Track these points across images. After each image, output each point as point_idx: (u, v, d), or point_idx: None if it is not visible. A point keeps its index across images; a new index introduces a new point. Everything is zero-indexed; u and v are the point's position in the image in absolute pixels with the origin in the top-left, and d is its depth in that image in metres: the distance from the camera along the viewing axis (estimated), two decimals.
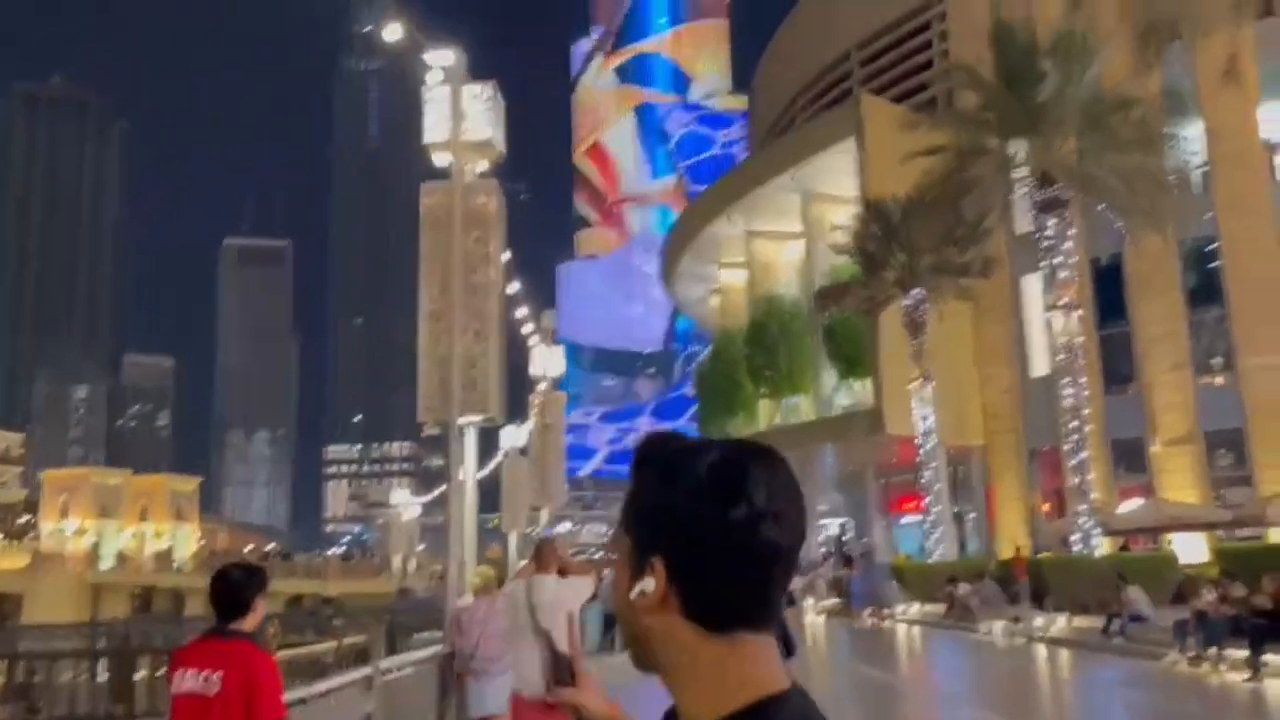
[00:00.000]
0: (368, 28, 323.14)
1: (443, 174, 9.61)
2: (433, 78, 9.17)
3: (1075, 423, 20.94)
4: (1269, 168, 33.35)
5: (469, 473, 10.21)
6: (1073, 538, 21.54)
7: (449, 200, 9.02)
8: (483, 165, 9.62)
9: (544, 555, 6.58)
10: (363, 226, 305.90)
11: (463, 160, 9.19)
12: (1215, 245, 33.42)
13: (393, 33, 8.68)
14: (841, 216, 38.12)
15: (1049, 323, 21.67)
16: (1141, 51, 15.40)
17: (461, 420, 8.79)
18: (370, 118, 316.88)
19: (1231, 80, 17.22)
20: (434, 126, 9.40)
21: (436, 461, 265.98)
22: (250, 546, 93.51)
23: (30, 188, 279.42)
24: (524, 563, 8.29)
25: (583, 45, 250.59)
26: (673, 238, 57.30)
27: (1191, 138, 26.16)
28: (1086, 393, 21.38)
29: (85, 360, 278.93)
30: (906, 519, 46.48)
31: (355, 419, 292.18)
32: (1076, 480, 21.03)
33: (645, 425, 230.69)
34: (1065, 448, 21.32)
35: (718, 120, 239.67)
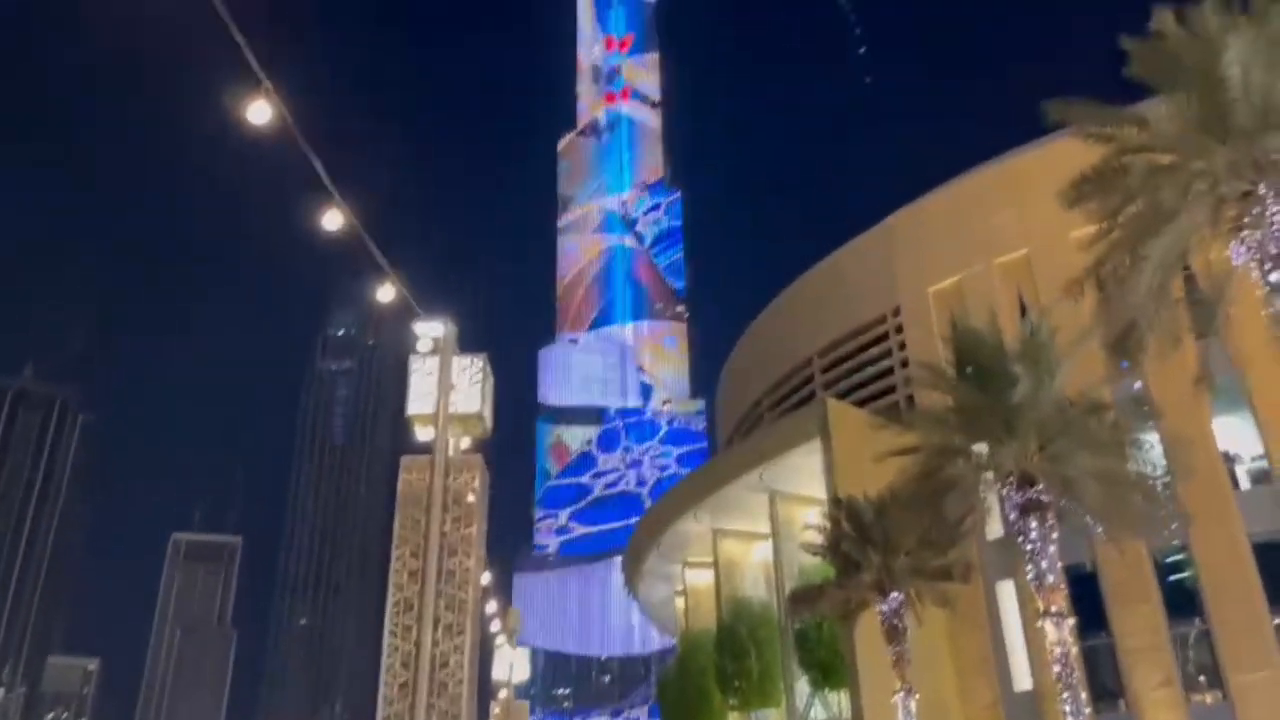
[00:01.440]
0: (340, 330, 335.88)
1: (424, 449, 9.03)
2: (422, 346, 8.82)
3: None
4: (1231, 478, 33.95)
5: None
6: None
7: (429, 476, 8.37)
8: (466, 442, 9.08)
9: None
10: (318, 525, 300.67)
11: (448, 434, 8.64)
12: (1187, 555, 33.24)
13: (385, 293, 8.45)
14: (811, 516, 37.67)
15: (1041, 630, 20.63)
16: (1113, 358, 15.66)
17: None
18: (335, 417, 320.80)
19: (1204, 388, 17.55)
20: (419, 398, 8.93)
21: None
22: None
23: None
24: None
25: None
26: (637, 536, 56.26)
27: (1154, 445, 26.51)
28: (1087, 710, 20.01)
29: (5, 662, 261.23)
30: None
31: None
32: None
33: None
34: None
35: (682, 435, 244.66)
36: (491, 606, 18.70)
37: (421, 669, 7.07)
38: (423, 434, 8.78)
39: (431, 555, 7.57)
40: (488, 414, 8.76)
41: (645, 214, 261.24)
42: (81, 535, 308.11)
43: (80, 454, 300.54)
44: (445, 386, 8.23)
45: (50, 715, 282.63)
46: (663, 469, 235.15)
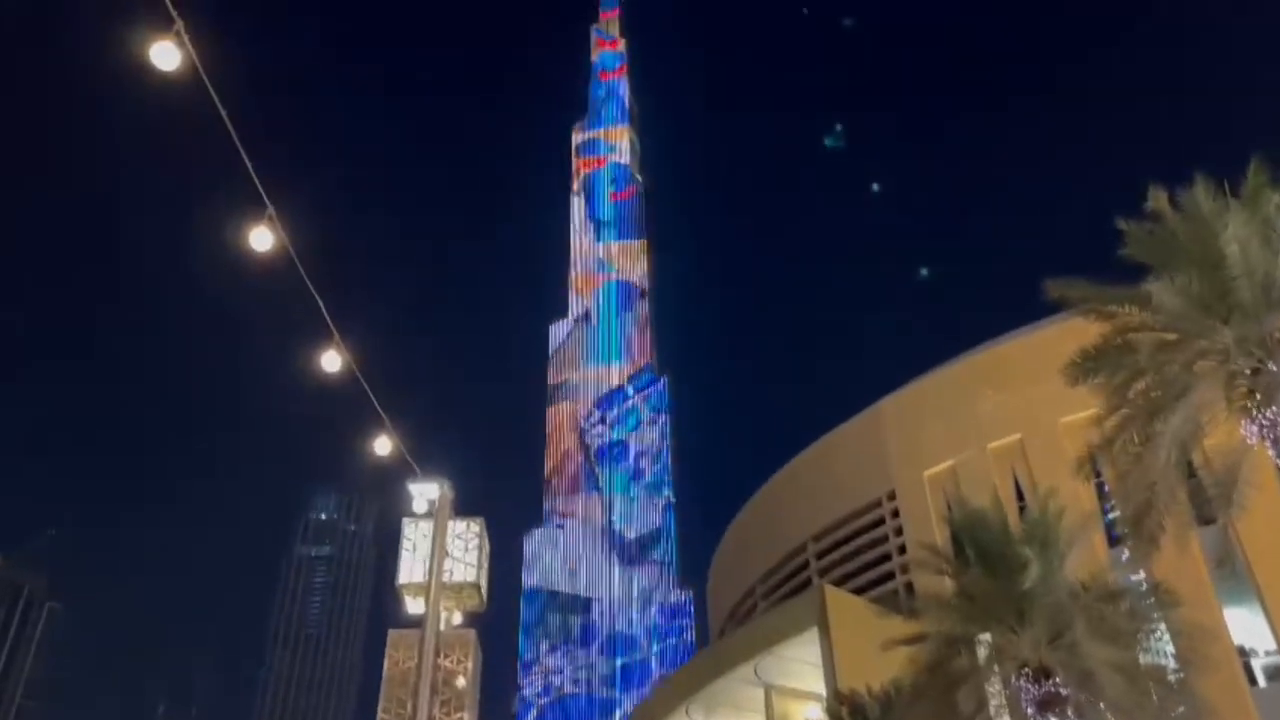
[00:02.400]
0: (321, 514, 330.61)
1: (412, 623, 8.32)
2: (417, 507, 8.29)
3: None
4: (1247, 673, 32.58)
5: None
6: None
7: (418, 653, 7.64)
8: (458, 616, 8.39)
9: None
10: (289, 717, 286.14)
11: (440, 606, 7.99)
12: None
13: (383, 446, 8.00)
14: (812, 712, 35.78)
15: None
16: (1131, 540, 15.10)
17: None
18: (312, 605, 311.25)
19: (1226, 570, 16.91)
20: (411, 566, 8.30)
21: None
22: None
23: None
24: None
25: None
26: None
27: (1164, 636, 25.50)
28: None
29: None
30: None
31: None
32: None
33: None
34: None
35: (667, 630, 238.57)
36: None
37: None
38: (413, 606, 8.15)
39: None
40: (484, 584, 8.18)
41: (631, 398, 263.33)
42: None
43: (43, 644, 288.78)
44: (440, 552, 7.69)
45: None
46: (642, 666, 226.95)
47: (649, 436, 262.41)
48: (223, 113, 7.13)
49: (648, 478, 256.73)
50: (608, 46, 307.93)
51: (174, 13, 6.86)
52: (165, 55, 6.99)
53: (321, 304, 7.60)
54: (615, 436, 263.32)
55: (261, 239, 7.80)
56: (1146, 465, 14.02)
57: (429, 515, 8.19)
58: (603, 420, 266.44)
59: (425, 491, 8.11)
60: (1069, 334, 18.21)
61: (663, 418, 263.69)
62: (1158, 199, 13.65)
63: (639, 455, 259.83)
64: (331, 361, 8.06)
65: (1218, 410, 13.83)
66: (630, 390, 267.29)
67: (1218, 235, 12.87)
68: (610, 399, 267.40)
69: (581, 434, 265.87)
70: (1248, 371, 12.99)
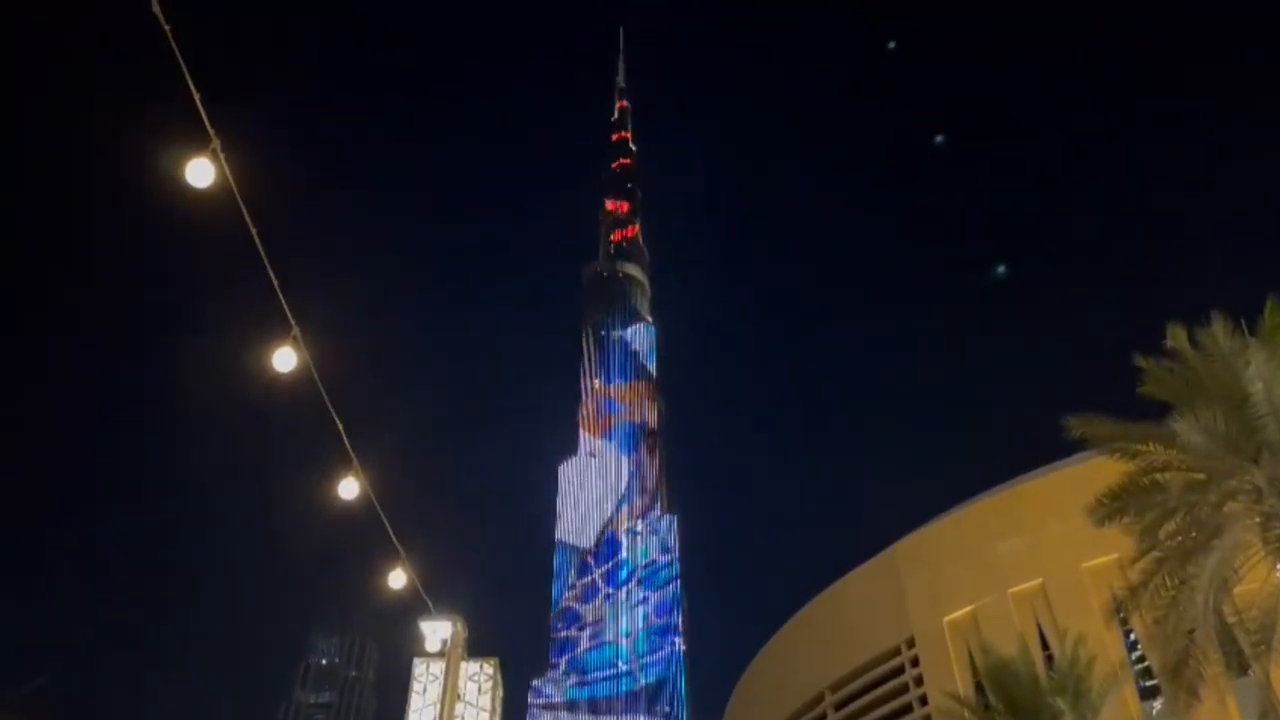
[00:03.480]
0: (323, 659, 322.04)
1: None
2: (430, 647, 7.88)
3: None
4: None
5: None
6: None
7: None
8: None
9: None
10: None
11: None
12: None
13: (397, 579, 7.67)
14: None
15: None
16: (1173, 692, 14.41)
17: None
18: None
19: None
20: (420, 711, 7.84)
21: None
22: None
23: None
24: None
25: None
26: None
27: None
28: None
29: None
30: None
31: None
32: None
33: None
34: None
35: None
36: None
37: None
38: None
39: None
40: None
41: (640, 536, 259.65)
42: None
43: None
44: (452, 696, 7.23)
45: None
46: None
47: (658, 578, 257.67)
48: (250, 226, 7.18)
49: (657, 622, 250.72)
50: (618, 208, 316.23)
51: (211, 131, 7.00)
52: (201, 171, 7.09)
53: (341, 427, 7.49)
54: (621, 578, 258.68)
55: (285, 359, 7.71)
56: (1183, 610, 13.51)
57: (441, 655, 7.81)
58: (612, 562, 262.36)
59: (438, 630, 7.75)
60: (1088, 475, 17.91)
61: (672, 559, 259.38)
62: (1176, 336, 13.61)
63: (647, 598, 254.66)
64: (349, 489, 7.88)
65: (1252, 552, 13.41)
66: (640, 529, 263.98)
67: (1239, 373, 12.75)
68: (618, 541, 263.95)
69: (589, 575, 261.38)
70: None
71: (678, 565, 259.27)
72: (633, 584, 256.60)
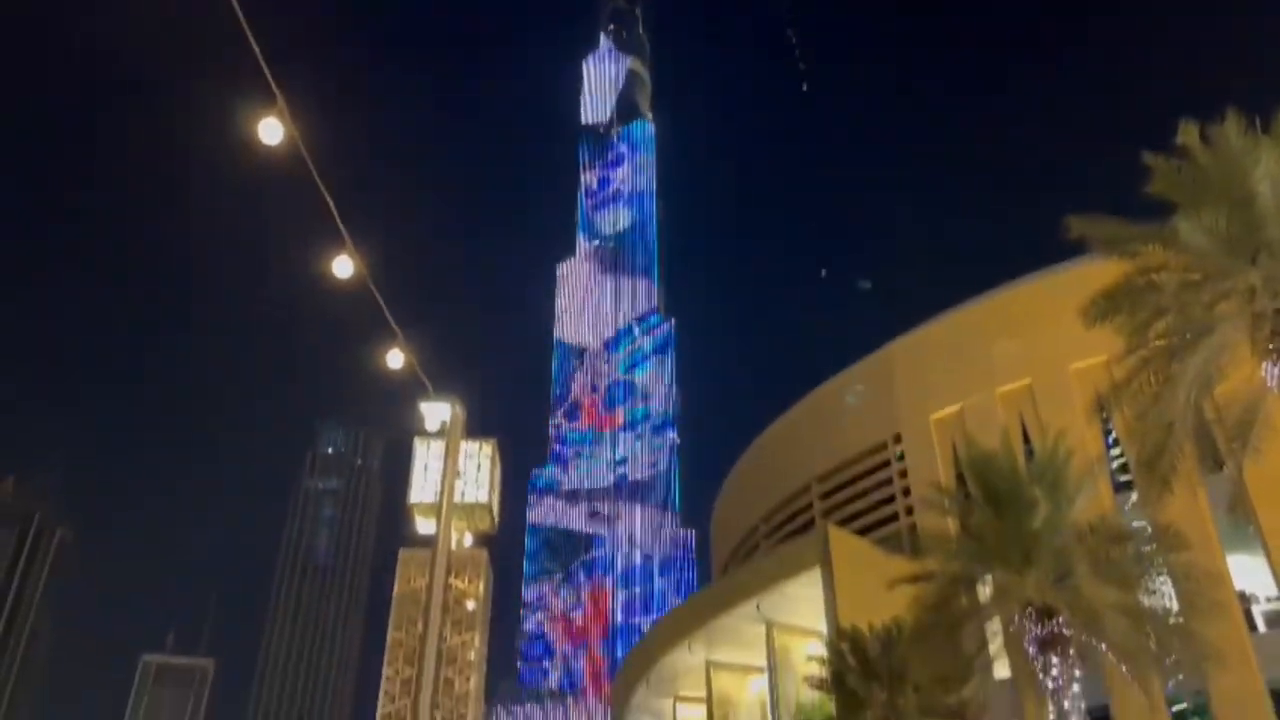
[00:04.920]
0: (329, 448, 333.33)
1: (423, 543, 8.24)
2: (429, 427, 8.15)
3: None
4: (1248, 619, 32.77)
5: None
6: None
7: (429, 572, 7.56)
8: (469, 537, 8.31)
9: None
10: (294, 648, 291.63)
11: (452, 527, 7.88)
12: (1205, 700, 31.87)
13: (395, 359, 7.84)
14: (811, 648, 36.20)
15: None
16: (1146, 484, 14.97)
17: None
18: (320, 537, 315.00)
19: (1241, 516, 16.84)
20: (421, 486, 8.17)
21: None
22: None
23: None
24: None
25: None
26: (627, 667, 54.17)
27: (1167, 580, 25.58)
28: None
29: None
30: None
31: None
32: None
33: None
34: None
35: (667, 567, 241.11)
36: None
37: None
38: (424, 526, 8.03)
39: (430, 648, 6.69)
40: (495, 505, 8.06)
41: (638, 339, 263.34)
42: (49, 655, 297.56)
43: (55, 570, 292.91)
44: (451, 473, 7.57)
45: None
46: (644, 603, 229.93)
47: (654, 377, 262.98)
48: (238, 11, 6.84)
49: (653, 419, 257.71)
50: None
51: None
52: None
53: (331, 202, 7.38)
54: (621, 376, 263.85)
55: (271, 130, 7.49)
56: (1164, 406, 13.86)
57: (441, 435, 8.06)
58: (609, 360, 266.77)
59: (437, 411, 7.97)
60: (1082, 278, 17.94)
61: (669, 359, 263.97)
62: (1188, 133, 13.27)
63: (645, 396, 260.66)
64: (343, 267, 7.86)
65: (1239, 352, 13.62)
66: (637, 331, 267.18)
67: (1248, 172, 12.54)
68: (616, 340, 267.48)
69: (588, 373, 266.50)
70: (1273, 312, 12.75)
71: (674, 364, 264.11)
72: (630, 381, 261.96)
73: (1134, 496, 32.86)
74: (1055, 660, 18.95)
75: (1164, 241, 13.66)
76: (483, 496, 8.10)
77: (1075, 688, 19.17)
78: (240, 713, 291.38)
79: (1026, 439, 35.69)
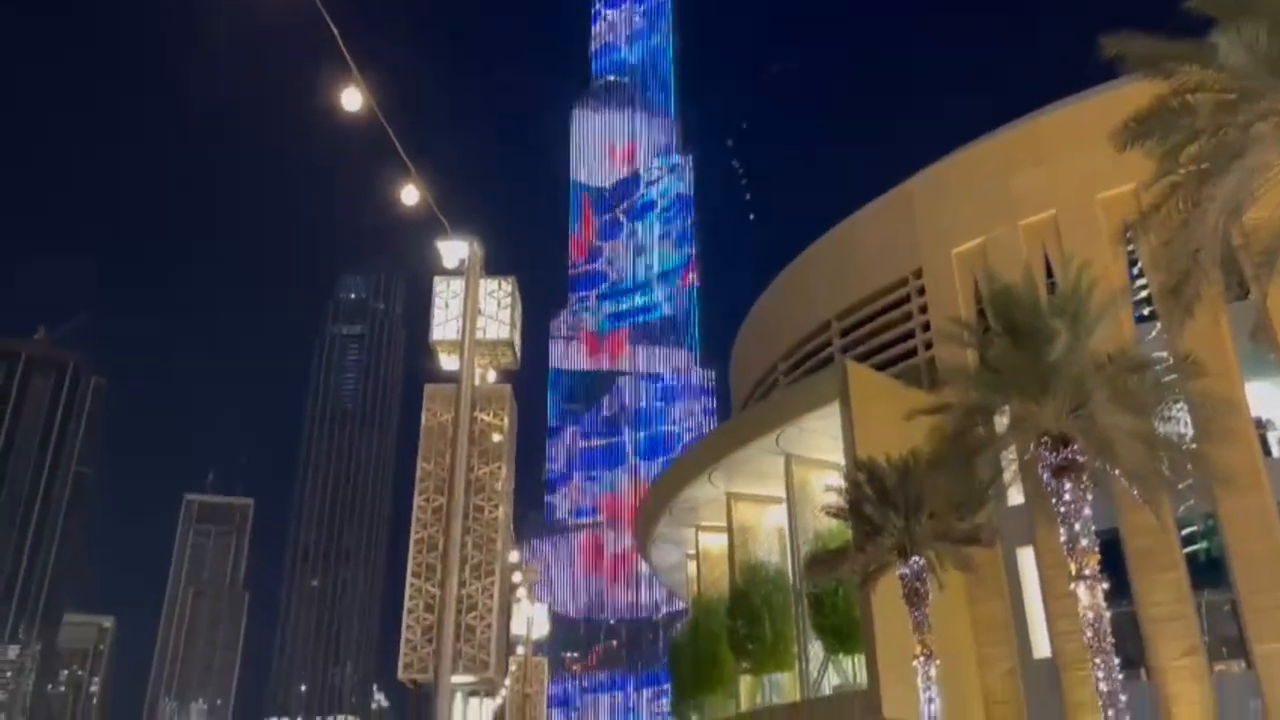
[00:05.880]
0: (350, 294, 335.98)
1: (449, 378, 8.38)
2: (448, 264, 8.15)
3: (1112, 712, 18.85)
4: (1262, 444, 33.22)
5: None
6: None
7: (455, 406, 7.73)
8: (492, 375, 8.44)
9: None
10: (328, 487, 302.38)
11: (475, 365, 7.99)
12: (1214, 523, 32.68)
13: (410, 195, 7.79)
14: (828, 480, 37.19)
15: (1070, 596, 20.02)
16: (1169, 311, 14.89)
17: (455, 680, 6.94)
18: (346, 380, 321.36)
19: (1263, 343, 16.81)
20: (444, 323, 8.25)
21: None
22: None
23: None
24: None
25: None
26: (650, 499, 55.96)
27: (1183, 406, 25.82)
28: (1120, 676, 19.43)
29: (21, 620, 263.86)
30: None
31: (300, 689, 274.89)
32: None
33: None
34: None
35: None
36: (513, 556, 18.03)
37: (448, 608, 6.43)
38: (448, 363, 8.17)
39: (459, 476, 6.93)
40: (517, 342, 8.16)
41: (656, 176, 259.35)
42: (95, 496, 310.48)
43: (93, 416, 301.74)
44: (472, 310, 7.62)
45: (66, 672, 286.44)
46: (666, 440, 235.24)
47: (673, 217, 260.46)
48: None
49: (672, 258, 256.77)
50: None
51: None
52: None
53: (334, 30, 7.14)
54: (639, 216, 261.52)
55: None
56: (1192, 231, 13.62)
57: (460, 273, 8.06)
58: (626, 200, 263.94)
59: (455, 249, 7.95)
60: (1109, 106, 17.42)
61: (688, 198, 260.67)
62: None
63: (663, 236, 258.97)
64: (351, 99, 7.68)
65: (1271, 175, 13.27)
66: (655, 168, 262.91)
67: None
68: (634, 179, 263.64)
69: (605, 214, 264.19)
70: None
71: (693, 202, 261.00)
72: (648, 221, 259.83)
73: (1155, 329, 32.85)
74: (1068, 486, 19.39)
75: (1201, 60, 13.13)
76: (504, 333, 8.17)
77: (1086, 511, 19.66)
78: (281, 547, 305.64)
79: (1050, 272, 35.46)
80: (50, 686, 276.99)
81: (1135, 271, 34.58)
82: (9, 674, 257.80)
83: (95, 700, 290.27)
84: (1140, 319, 34.41)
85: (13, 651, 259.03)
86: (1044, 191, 38.42)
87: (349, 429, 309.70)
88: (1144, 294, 34.05)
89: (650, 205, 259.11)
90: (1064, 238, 36.50)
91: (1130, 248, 34.21)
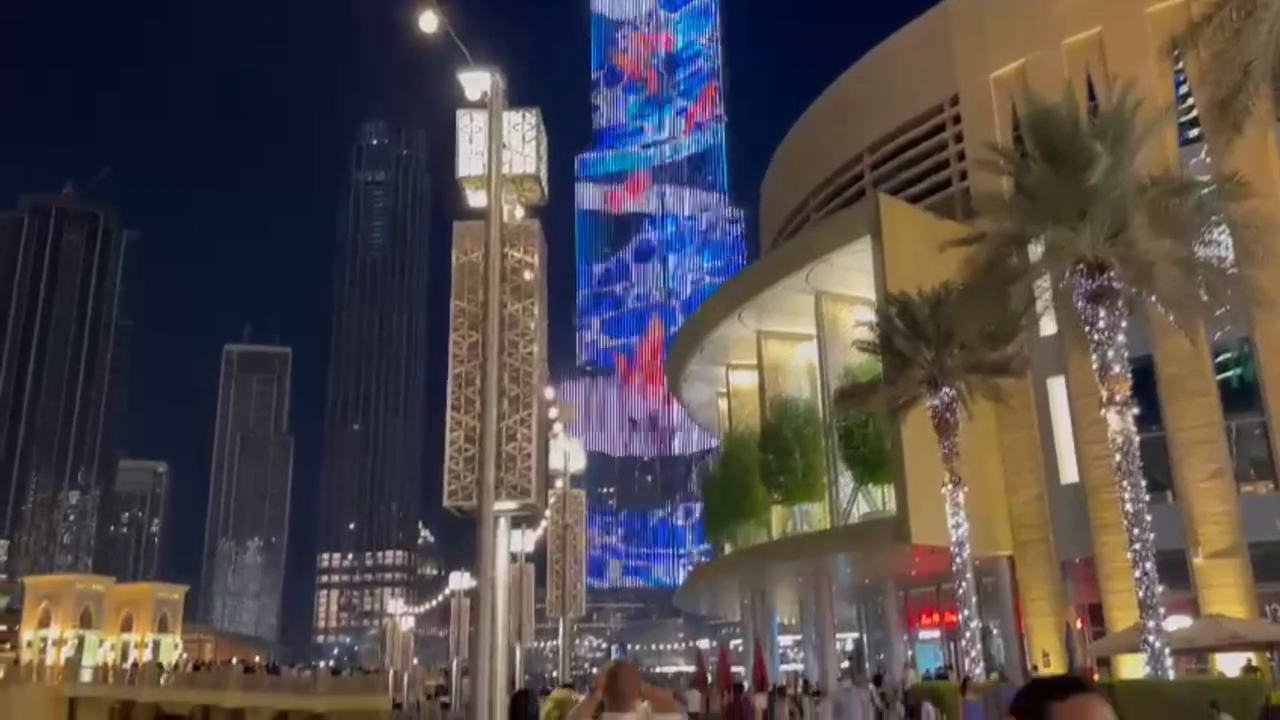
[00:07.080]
0: (375, 141, 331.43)
1: (477, 214, 8.31)
2: (470, 96, 7.94)
3: (1137, 530, 19.26)
4: None
5: (500, 568, 8.57)
6: (1142, 658, 19.67)
7: (484, 242, 7.70)
8: (520, 211, 8.35)
9: (620, 685, 4.62)
10: (363, 334, 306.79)
11: (502, 200, 7.91)
12: (1249, 348, 32.48)
13: (428, 23, 7.51)
14: (859, 315, 37.13)
15: (1101, 421, 20.18)
16: (1216, 128, 14.35)
17: (498, 507, 7.22)
18: (374, 227, 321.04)
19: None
20: (469, 159, 8.11)
21: (430, 570, 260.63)
22: (237, 659, 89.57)
23: (33, 294, 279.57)
24: (579, 696, 6.58)
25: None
26: (680, 338, 56.36)
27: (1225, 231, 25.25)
28: (1147, 498, 19.76)
29: (79, 465, 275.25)
30: (925, 634, 44.15)
31: (349, 526, 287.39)
32: (1141, 594, 19.24)
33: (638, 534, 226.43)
34: (1128, 558, 19.58)
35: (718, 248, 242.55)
36: (548, 393, 18.32)
37: (489, 436, 6.61)
38: (474, 199, 8.06)
39: (493, 312, 6.98)
40: (544, 175, 8.02)
41: (681, 9, 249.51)
42: (139, 348, 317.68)
43: (129, 269, 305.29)
44: (497, 142, 7.45)
45: (126, 514, 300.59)
46: (695, 281, 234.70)
47: (700, 52, 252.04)
48: None
49: (700, 97, 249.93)
50: None
51: None
52: None
53: None
54: (664, 51, 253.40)
55: None
56: (1244, 43, 12.97)
57: (482, 106, 7.85)
58: (650, 34, 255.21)
59: (477, 81, 7.70)
60: None
61: (715, 30, 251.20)
62: None
63: (690, 73, 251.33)
64: None
65: None
66: (680, 2, 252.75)
67: None
68: (657, 11, 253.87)
69: (629, 50, 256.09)
70: None
71: (720, 35, 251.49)
72: (673, 55, 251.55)
73: (1199, 154, 31.79)
74: (1103, 313, 19.22)
75: None
76: (530, 167, 8.00)
77: (1120, 338, 19.57)
78: (320, 393, 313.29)
79: (1092, 95, 34.11)
80: (113, 529, 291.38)
81: (1181, 94, 33.20)
82: (73, 518, 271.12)
83: (157, 541, 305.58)
84: (1184, 143, 33.25)
85: (74, 497, 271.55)
86: (1089, 7, 36.54)
87: (380, 274, 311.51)
88: (1188, 116, 32.77)
89: (674, 39, 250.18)
90: (1109, 57, 34.93)
91: (1179, 65, 32.71)
